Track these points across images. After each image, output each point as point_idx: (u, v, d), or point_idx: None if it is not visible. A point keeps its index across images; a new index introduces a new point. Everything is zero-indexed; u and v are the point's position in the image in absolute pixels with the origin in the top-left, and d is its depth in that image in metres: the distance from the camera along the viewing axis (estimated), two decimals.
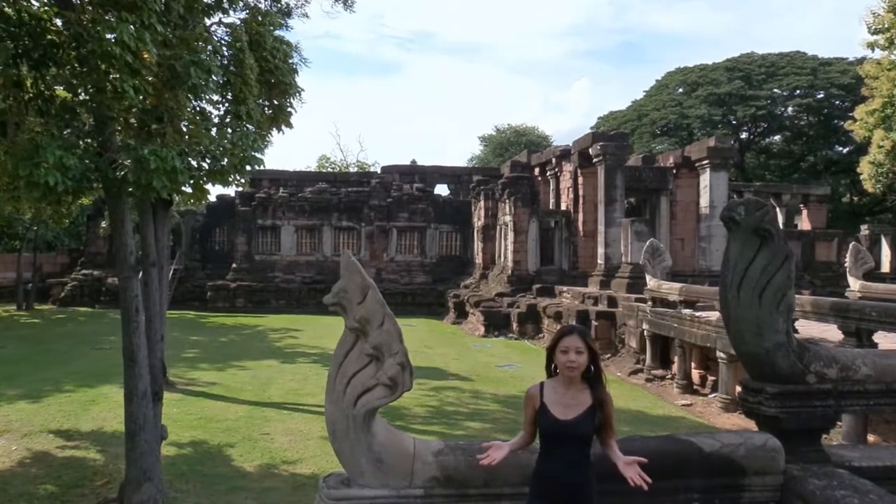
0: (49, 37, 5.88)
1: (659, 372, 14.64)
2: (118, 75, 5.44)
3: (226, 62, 7.05)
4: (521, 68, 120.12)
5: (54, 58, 5.93)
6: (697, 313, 12.96)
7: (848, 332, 9.87)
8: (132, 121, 6.61)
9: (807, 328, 11.68)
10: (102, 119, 6.14)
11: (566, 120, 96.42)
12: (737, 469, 3.71)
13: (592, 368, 3.34)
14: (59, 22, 5.98)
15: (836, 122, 40.66)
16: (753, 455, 3.75)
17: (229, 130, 6.96)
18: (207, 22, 7.42)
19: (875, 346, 9.46)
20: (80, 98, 6.39)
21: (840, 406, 4.16)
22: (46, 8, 5.97)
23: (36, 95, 6.18)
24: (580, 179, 24.92)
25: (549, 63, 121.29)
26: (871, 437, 9.06)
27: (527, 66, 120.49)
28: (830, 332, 10.81)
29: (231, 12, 7.65)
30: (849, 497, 3.40)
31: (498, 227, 27.67)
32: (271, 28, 7.80)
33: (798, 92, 42.92)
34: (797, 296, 11.20)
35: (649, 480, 3.10)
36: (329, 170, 51.17)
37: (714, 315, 11.87)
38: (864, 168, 21.05)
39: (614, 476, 3.20)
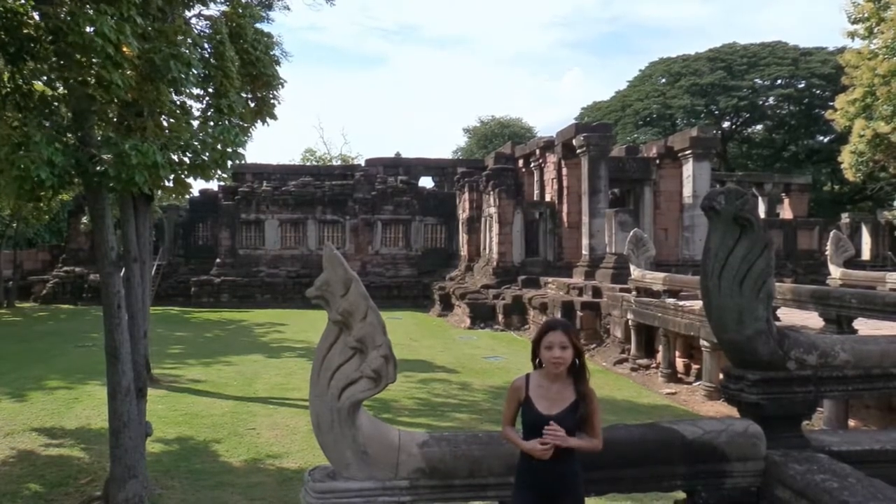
0: (26, 30, 5.80)
1: (644, 361, 14.75)
2: (101, 68, 5.39)
3: (206, 55, 6.99)
4: (507, 60, 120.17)
5: (32, 51, 5.86)
6: (681, 302, 13.05)
7: (828, 319, 9.98)
8: (111, 115, 6.55)
9: (789, 316, 11.80)
10: (81, 113, 6.08)
11: (558, 111, 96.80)
12: (719, 455, 3.76)
13: (577, 362, 3.36)
14: (36, 15, 5.91)
15: (817, 111, 41.06)
16: (735, 441, 3.79)
17: (210, 124, 6.91)
18: (187, 14, 7.36)
19: (855, 332, 9.56)
20: (59, 92, 6.32)
21: (820, 392, 4.20)
22: (23, 1, 5.89)
23: (14, 90, 6.11)
24: (564, 171, 24.98)
25: (536, 54, 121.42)
26: (851, 422, 9.19)
27: (513, 57, 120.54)
28: (812, 320, 10.92)
29: (211, 4, 7.60)
30: (828, 481, 3.45)
31: (483, 219, 27.69)
32: (252, 20, 7.74)
33: (779, 82, 43.29)
34: (779, 284, 11.32)
35: (554, 443, 3.18)
36: (313, 163, 50.91)
37: (697, 304, 11.96)
38: (845, 157, 21.22)
39: (598, 465, 3.23)
